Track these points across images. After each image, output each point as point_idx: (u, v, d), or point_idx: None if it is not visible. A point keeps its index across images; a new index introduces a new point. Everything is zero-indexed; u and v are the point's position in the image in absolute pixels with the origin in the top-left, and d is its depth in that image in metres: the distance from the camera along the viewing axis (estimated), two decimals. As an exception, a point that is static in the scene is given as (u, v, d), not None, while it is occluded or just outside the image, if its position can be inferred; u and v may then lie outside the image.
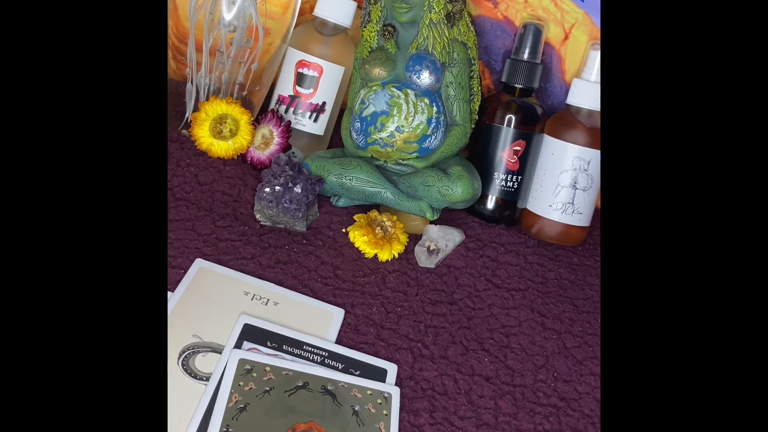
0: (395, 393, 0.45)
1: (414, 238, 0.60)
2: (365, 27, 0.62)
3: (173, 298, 0.47)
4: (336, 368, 0.45)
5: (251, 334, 0.46)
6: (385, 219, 0.58)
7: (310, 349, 0.46)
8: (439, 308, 0.53)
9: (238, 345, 0.45)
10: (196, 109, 0.63)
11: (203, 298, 0.47)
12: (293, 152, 0.64)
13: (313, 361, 0.45)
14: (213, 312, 0.47)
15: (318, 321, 0.49)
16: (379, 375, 0.46)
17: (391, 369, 0.47)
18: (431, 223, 0.61)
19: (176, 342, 0.44)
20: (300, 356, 0.45)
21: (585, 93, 0.62)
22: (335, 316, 0.49)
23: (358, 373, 0.45)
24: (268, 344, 0.45)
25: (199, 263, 0.50)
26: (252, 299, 0.48)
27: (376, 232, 0.57)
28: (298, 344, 0.46)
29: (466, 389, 0.47)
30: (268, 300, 0.49)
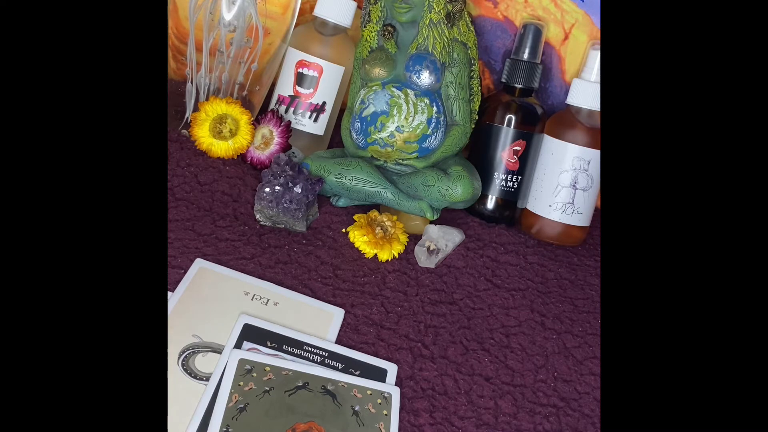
0: (395, 393, 0.45)
1: (414, 238, 0.60)
2: (365, 27, 0.62)
3: (173, 298, 0.47)
4: (336, 368, 0.45)
5: (251, 334, 0.46)
6: (385, 219, 0.58)
7: (310, 349, 0.46)
8: (439, 308, 0.53)
9: (238, 345, 0.45)
10: (196, 109, 0.63)
11: (203, 298, 0.47)
12: (293, 152, 0.64)
13: (313, 361, 0.45)
14: (213, 312, 0.47)
15: (318, 321, 0.49)
16: (379, 375, 0.46)
17: (391, 369, 0.47)
18: (431, 223, 0.61)
19: (176, 342, 0.44)
20: (300, 356, 0.45)
21: (585, 93, 0.62)
22: (335, 316, 0.49)
23: (358, 373, 0.45)
24: (268, 344, 0.45)
25: (199, 263, 0.50)
26: (252, 299, 0.48)
27: (376, 232, 0.57)
28: (298, 344, 0.46)
29: (466, 389, 0.47)
30: (268, 300, 0.49)
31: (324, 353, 0.46)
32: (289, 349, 0.45)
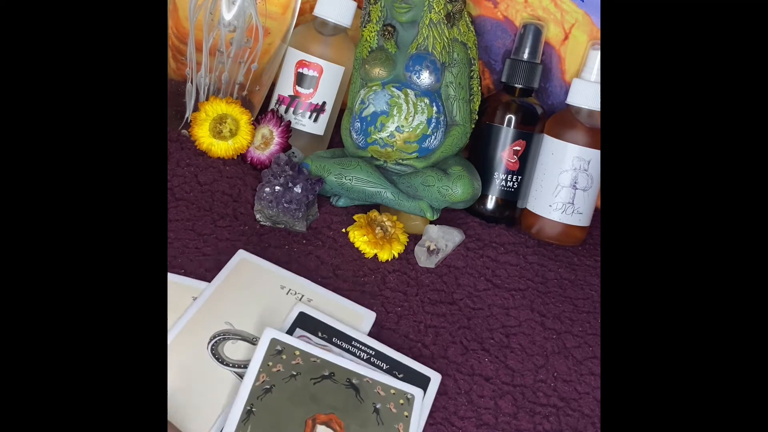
0: (418, 395, 0.44)
1: (414, 238, 0.60)
2: (365, 27, 0.62)
3: (213, 284, 0.48)
4: (380, 368, 0.45)
5: (305, 322, 0.46)
6: (385, 219, 0.58)
7: (358, 345, 0.46)
8: (439, 308, 0.53)
9: (290, 331, 0.45)
10: (196, 109, 0.63)
11: (240, 287, 0.48)
12: (293, 152, 0.64)
13: (359, 357, 0.45)
14: (247, 301, 0.47)
15: (349, 321, 0.49)
16: (422, 382, 0.46)
17: (435, 378, 0.46)
18: (431, 223, 0.61)
19: (208, 327, 0.45)
20: (348, 351, 0.46)
21: (585, 93, 0.62)
22: (365, 318, 0.50)
23: (401, 376, 0.45)
24: (319, 335, 0.46)
25: (241, 254, 0.51)
26: (287, 293, 0.49)
27: (376, 232, 0.57)
28: (348, 339, 0.46)
29: (466, 389, 0.47)
30: (303, 296, 0.49)
31: (371, 351, 0.46)
32: (338, 342, 0.46)
